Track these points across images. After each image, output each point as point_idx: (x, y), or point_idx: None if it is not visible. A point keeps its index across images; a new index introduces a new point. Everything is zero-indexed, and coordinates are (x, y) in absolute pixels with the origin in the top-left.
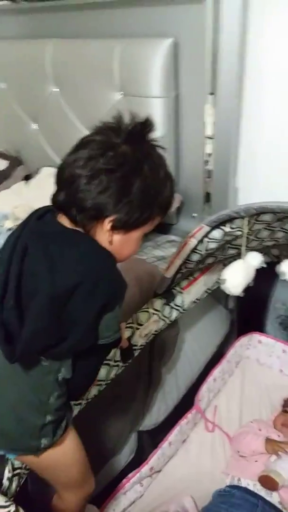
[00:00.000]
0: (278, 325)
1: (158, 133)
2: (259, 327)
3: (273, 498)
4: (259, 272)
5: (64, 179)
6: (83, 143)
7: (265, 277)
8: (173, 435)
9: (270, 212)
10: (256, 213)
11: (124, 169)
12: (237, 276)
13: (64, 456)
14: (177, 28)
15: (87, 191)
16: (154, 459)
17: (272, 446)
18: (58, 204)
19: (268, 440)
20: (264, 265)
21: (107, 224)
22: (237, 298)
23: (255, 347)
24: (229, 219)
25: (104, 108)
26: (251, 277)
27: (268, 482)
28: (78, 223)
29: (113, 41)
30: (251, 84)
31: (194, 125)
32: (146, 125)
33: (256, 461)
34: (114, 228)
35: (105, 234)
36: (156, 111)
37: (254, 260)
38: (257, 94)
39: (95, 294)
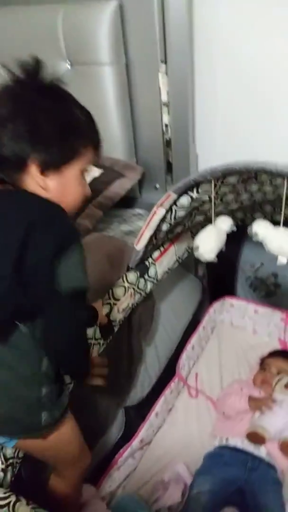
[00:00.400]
0: (248, 287)
1: (111, 102)
2: (231, 291)
3: (261, 451)
4: (226, 236)
5: None
6: None
7: (231, 241)
8: (159, 405)
9: (235, 173)
10: (222, 175)
11: (24, 109)
12: (209, 242)
13: (65, 434)
14: None
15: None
16: (143, 431)
17: (255, 403)
18: None
19: (251, 398)
20: (234, 228)
21: (33, 169)
22: (206, 265)
23: (228, 311)
24: (196, 184)
25: None
26: (223, 241)
27: (256, 437)
28: (5, 182)
29: (56, 6)
30: (202, 51)
31: (148, 93)
32: (36, 64)
33: (241, 419)
34: (42, 171)
35: (36, 182)
36: (108, 79)
37: (224, 224)
38: (208, 61)
39: (46, 235)
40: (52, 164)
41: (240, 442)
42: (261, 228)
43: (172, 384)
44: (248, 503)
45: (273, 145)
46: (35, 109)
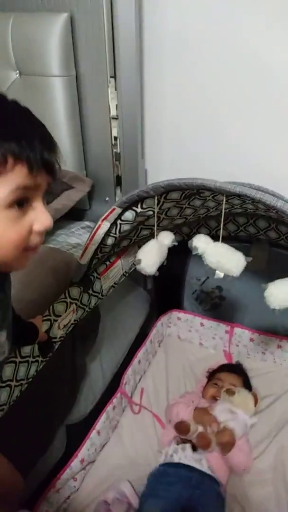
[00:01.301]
0: (194, 300)
1: (61, 114)
2: (178, 305)
3: (203, 464)
4: (172, 251)
5: None
6: None
7: (178, 256)
8: (100, 422)
9: (177, 190)
10: (164, 191)
11: None
12: (151, 256)
13: None
14: (72, 2)
15: None
16: (83, 451)
17: (200, 417)
18: None
19: (197, 410)
20: (176, 243)
21: None
22: (155, 278)
23: (175, 324)
24: (140, 200)
25: (1, 89)
26: (164, 256)
27: (203, 439)
28: None
29: (6, 14)
30: (152, 67)
31: (98, 106)
32: None
33: None
34: None
35: None
36: (57, 90)
37: (166, 239)
38: (158, 77)
39: None
40: None
41: (183, 456)
42: (200, 243)
43: (115, 400)
44: None
45: (221, 160)
46: None
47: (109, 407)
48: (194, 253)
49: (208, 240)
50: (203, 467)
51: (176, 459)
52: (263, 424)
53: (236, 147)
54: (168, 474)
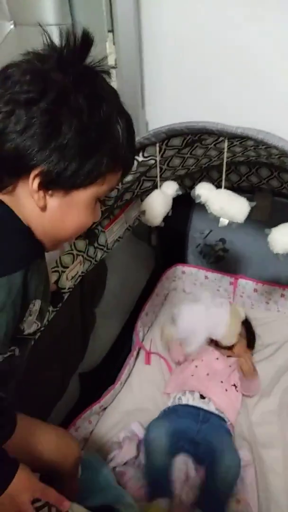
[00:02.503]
0: (198, 253)
1: None
2: (182, 259)
3: (210, 406)
4: (175, 206)
5: None
6: (2, 73)
7: (181, 210)
8: (124, 374)
9: (179, 135)
10: (166, 137)
11: (48, 98)
12: (155, 207)
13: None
14: None
15: (2, 130)
16: (107, 397)
17: None
18: None
19: None
20: (180, 192)
21: (32, 179)
22: (159, 233)
23: (180, 278)
24: (141, 147)
25: None
26: (169, 206)
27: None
28: None
29: None
30: (150, 14)
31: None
32: (82, 43)
33: (182, 371)
34: (45, 185)
35: (31, 197)
36: (53, 40)
37: (169, 189)
38: (157, 25)
39: None
40: (60, 182)
41: (191, 399)
42: (203, 190)
43: (134, 352)
44: (202, 451)
45: (223, 111)
46: (65, 104)
47: (130, 360)
48: (197, 201)
49: (211, 187)
50: (211, 408)
51: (184, 401)
52: (268, 369)
53: (239, 95)
54: (177, 410)
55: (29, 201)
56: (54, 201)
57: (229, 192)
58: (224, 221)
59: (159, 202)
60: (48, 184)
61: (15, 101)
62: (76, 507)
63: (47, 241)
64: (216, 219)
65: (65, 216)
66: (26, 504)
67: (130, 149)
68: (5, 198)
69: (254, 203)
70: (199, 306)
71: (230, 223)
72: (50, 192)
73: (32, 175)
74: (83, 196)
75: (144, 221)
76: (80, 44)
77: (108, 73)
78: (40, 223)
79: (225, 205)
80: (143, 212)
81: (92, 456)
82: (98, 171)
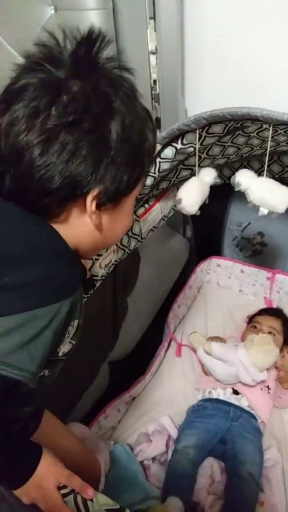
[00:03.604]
0: (235, 246)
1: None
2: (217, 251)
3: (242, 403)
4: (213, 196)
5: (3, 156)
6: (14, 92)
7: (218, 201)
8: (155, 365)
9: (220, 122)
10: (206, 123)
11: (91, 114)
12: (192, 194)
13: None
14: None
15: (47, 165)
16: (138, 387)
17: None
18: (4, 193)
19: None
20: (218, 181)
21: (90, 203)
22: (194, 225)
23: (214, 271)
24: (181, 134)
25: (36, 27)
26: (206, 194)
27: None
28: (41, 212)
29: None
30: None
31: (136, 43)
32: (93, 41)
33: None
34: (101, 204)
35: (85, 219)
36: (94, 25)
37: (207, 176)
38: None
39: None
40: (116, 196)
41: (222, 394)
42: (244, 178)
43: (166, 344)
44: (228, 451)
45: (265, 98)
46: (108, 114)
47: (161, 352)
48: (236, 189)
49: (252, 174)
50: (243, 404)
51: (215, 395)
52: None
53: (282, 85)
54: (206, 408)
55: (81, 222)
56: (106, 215)
57: (271, 181)
58: (264, 211)
59: (195, 189)
60: (105, 202)
61: (53, 127)
62: (101, 496)
63: (92, 253)
64: (255, 209)
65: (115, 224)
66: (52, 489)
67: (155, 147)
68: (51, 221)
69: None
70: (216, 362)
71: (270, 213)
72: (103, 209)
73: (89, 200)
74: (130, 201)
75: (179, 209)
76: (90, 41)
77: (128, 69)
78: (91, 239)
79: (266, 194)
80: (179, 200)
81: (122, 446)
82: (142, 173)
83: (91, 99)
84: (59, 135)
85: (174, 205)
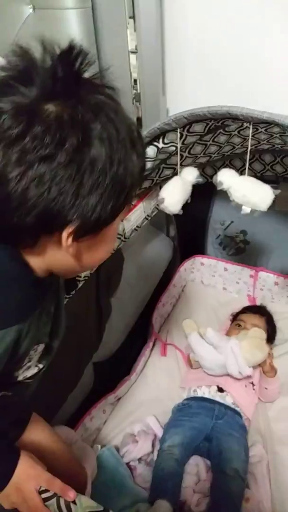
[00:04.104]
0: (218, 245)
1: None
2: (201, 250)
3: (227, 400)
4: (196, 195)
5: None
6: None
7: (201, 200)
8: (139, 365)
9: (201, 121)
10: (187, 122)
11: (68, 146)
12: (174, 193)
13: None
14: None
15: (20, 198)
16: (123, 388)
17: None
18: None
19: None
20: (200, 179)
21: (66, 239)
22: (177, 224)
23: (198, 270)
24: (162, 133)
25: (15, 25)
26: (188, 193)
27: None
28: (13, 242)
29: None
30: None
31: (116, 41)
32: (73, 60)
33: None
34: (79, 236)
35: (61, 251)
36: (73, 24)
37: (190, 175)
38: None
39: None
40: (94, 229)
41: (207, 392)
42: (226, 177)
43: (150, 343)
44: (213, 449)
45: (245, 97)
46: (86, 145)
47: (146, 351)
48: (219, 188)
49: (234, 173)
50: (227, 402)
51: (199, 393)
52: None
53: (263, 84)
54: (191, 406)
55: (57, 253)
56: (84, 244)
57: (253, 179)
58: (246, 210)
59: (178, 189)
60: (83, 234)
61: (26, 161)
62: (84, 498)
63: (69, 276)
64: (238, 207)
65: (94, 253)
66: (32, 493)
67: (143, 170)
68: (25, 250)
69: (278, 191)
70: (208, 347)
71: (253, 211)
72: (81, 240)
73: (64, 236)
74: (112, 228)
75: (162, 208)
76: (71, 56)
77: (113, 89)
78: (66, 265)
79: (248, 192)
80: (162, 199)
81: (109, 450)
82: (127, 200)
83: (67, 129)
84: (34, 168)
85: (157, 205)
